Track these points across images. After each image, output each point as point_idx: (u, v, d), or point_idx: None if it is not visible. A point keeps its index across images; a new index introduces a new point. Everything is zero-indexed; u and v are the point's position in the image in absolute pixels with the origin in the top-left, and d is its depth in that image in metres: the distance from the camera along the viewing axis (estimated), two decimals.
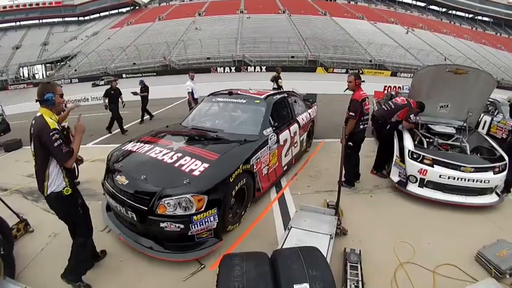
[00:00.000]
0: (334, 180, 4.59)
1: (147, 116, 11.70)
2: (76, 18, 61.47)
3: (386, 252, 3.39)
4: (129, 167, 3.66)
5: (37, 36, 53.07)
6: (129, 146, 4.23)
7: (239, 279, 2.23)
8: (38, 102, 2.72)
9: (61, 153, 2.54)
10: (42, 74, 42.91)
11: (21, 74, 41.11)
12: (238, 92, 5.52)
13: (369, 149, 6.34)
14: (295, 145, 5.64)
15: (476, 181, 4.30)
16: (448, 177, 4.35)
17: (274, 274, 2.33)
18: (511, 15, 64.10)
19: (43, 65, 43.22)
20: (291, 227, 3.53)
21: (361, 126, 4.77)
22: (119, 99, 9.57)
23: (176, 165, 3.47)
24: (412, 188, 4.65)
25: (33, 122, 2.63)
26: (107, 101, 9.39)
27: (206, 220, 3.20)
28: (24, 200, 4.98)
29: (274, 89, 10.00)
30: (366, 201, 4.68)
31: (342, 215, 4.00)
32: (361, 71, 30.98)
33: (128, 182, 3.36)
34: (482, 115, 7.74)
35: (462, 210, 4.29)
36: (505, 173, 4.43)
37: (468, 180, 4.30)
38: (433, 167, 4.46)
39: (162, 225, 3.09)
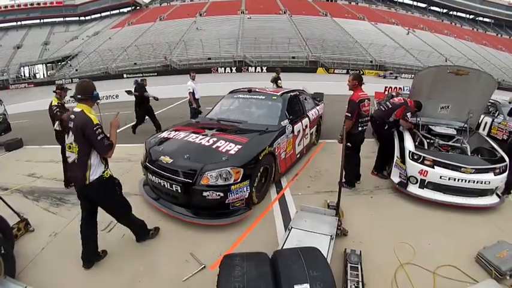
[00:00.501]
0: (334, 180, 4.59)
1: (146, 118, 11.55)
2: (77, 18, 61.56)
3: (386, 253, 3.39)
4: (170, 149, 4.32)
5: (38, 36, 53.17)
6: (164, 134, 4.94)
7: (239, 280, 2.23)
8: (74, 98, 2.98)
9: (103, 146, 2.88)
10: (43, 74, 42.98)
11: (22, 74, 41.19)
12: (257, 90, 6.26)
13: (369, 150, 6.34)
14: (306, 137, 6.29)
15: (477, 182, 4.29)
16: (449, 179, 4.35)
17: (275, 274, 2.33)
18: None
19: (44, 64, 43.30)
20: (292, 228, 3.53)
21: (360, 128, 4.75)
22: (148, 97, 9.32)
23: (213, 147, 4.18)
24: (413, 189, 4.65)
25: (73, 116, 2.90)
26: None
27: (241, 190, 3.86)
28: (25, 200, 4.98)
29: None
30: (366, 202, 4.68)
31: (342, 215, 3.99)
32: (361, 72, 31.05)
33: (172, 160, 4.00)
34: (483, 116, 7.75)
35: (462, 212, 4.29)
36: (505, 174, 4.42)
37: (469, 181, 4.29)
38: (433, 168, 4.45)
39: (204, 194, 3.70)
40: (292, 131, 5.41)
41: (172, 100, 17.15)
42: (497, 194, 4.51)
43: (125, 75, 31.71)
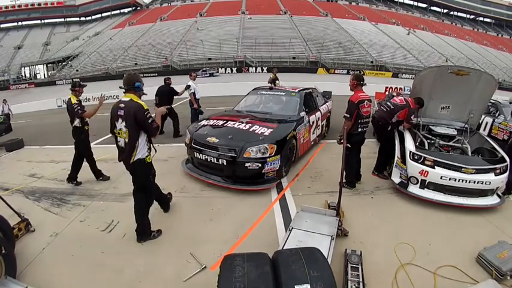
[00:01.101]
0: (335, 181, 4.59)
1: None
2: (78, 19, 61.59)
3: (387, 253, 3.39)
4: (214, 132, 5.33)
5: (39, 36, 53.23)
6: (205, 122, 5.96)
7: (240, 280, 2.23)
8: (122, 89, 3.45)
9: (152, 128, 3.35)
10: (44, 74, 43.07)
11: (23, 74, 41.25)
12: (278, 87, 7.62)
13: (369, 150, 6.34)
14: (318, 127, 7.21)
15: (478, 182, 4.29)
16: (449, 179, 4.35)
17: (275, 275, 2.33)
18: None
19: (45, 65, 43.39)
20: (292, 228, 3.53)
21: (360, 129, 4.75)
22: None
23: (250, 130, 5.26)
24: (413, 189, 4.65)
25: (122, 105, 3.32)
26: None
27: (274, 162, 4.87)
28: (26, 200, 4.98)
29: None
30: (367, 202, 4.68)
31: (343, 216, 3.99)
32: (362, 72, 31.04)
33: (218, 140, 5.02)
34: (483, 116, 7.74)
35: (463, 212, 4.28)
36: (506, 174, 4.42)
37: (469, 181, 4.29)
38: (434, 168, 4.45)
39: (246, 165, 4.72)
40: (308, 121, 6.36)
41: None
42: (498, 194, 4.51)
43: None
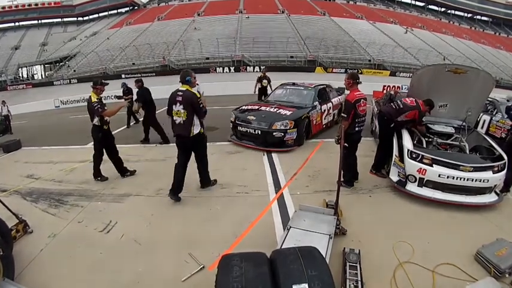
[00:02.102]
0: (333, 180, 4.60)
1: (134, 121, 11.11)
2: (75, 19, 61.20)
3: (385, 252, 3.39)
4: (252, 113, 7.63)
5: (36, 37, 52.91)
6: (244, 108, 8.19)
7: (238, 280, 2.22)
8: (181, 83, 4.49)
9: (202, 112, 4.49)
10: (41, 75, 42.80)
11: (20, 75, 41.00)
12: (298, 83, 9.33)
13: (368, 149, 6.34)
14: (330, 115, 8.95)
15: (476, 180, 4.30)
16: (447, 177, 4.35)
17: (273, 274, 2.32)
18: (510, 14, 64.00)
19: (42, 65, 43.09)
20: (290, 227, 3.52)
21: (357, 128, 4.77)
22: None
23: (277, 112, 7.42)
24: (411, 187, 4.65)
25: (180, 93, 4.40)
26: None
27: (292, 133, 6.97)
28: (24, 201, 4.97)
29: (259, 89, 12.49)
30: (365, 201, 4.69)
31: (341, 214, 3.99)
32: (359, 71, 30.99)
33: (254, 118, 7.33)
34: (481, 114, 7.76)
35: (461, 210, 4.30)
36: (504, 172, 4.42)
37: (467, 179, 4.30)
38: (432, 166, 4.46)
39: (274, 134, 6.89)
40: (320, 109, 8.20)
41: None
42: (496, 192, 4.52)
43: (123, 76, 31.51)
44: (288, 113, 7.27)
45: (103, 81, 5.36)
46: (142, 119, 8.54)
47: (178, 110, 4.42)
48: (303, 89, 8.91)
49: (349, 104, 4.61)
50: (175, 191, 4.59)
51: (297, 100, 8.45)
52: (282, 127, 6.87)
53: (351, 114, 4.61)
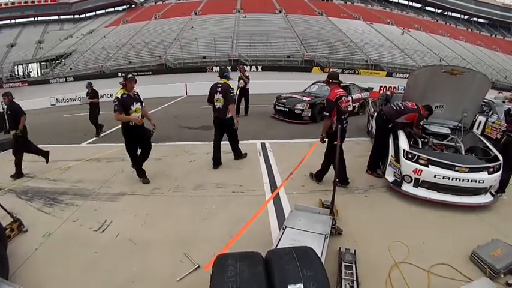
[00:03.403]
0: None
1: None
2: (72, 16, 60.88)
3: (381, 252, 3.39)
4: (286, 99, 11.06)
5: (32, 34, 52.54)
6: (282, 95, 11.42)
7: (233, 280, 2.21)
8: (220, 77, 5.78)
9: (233, 99, 5.81)
10: (37, 72, 42.49)
11: (16, 72, 40.71)
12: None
13: (363, 149, 6.35)
14: (349, 107, 9.64)
15: (471, 181, 4.31)
16: (443, 177, 4.37)
17: (268, 274, 2.32)
18: (506, 16, 64.53)
19: (38, 63, 42.82)
20: (286, 227, 3.51)
21: (345, 125, 4.84)
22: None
23: (301, 98, 10.68)
24: (407, 187, 4.66)
25: (220, 85, 5.66)
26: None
27: (307, 112, 10.27)
28: (18, 200, 4.92)
29: (238, 88, 10.95)
30: (360, 200, 4.69)
31: (336, 214, 3.99)
32: (356, 71, 31.15)
33: (285, 101, 10.96)
34: (477, 115, 7.80)
35: (457, 210, 4.31)
36: (499, 173, 4.45)
37: (463, 180, 4.31)
38: (428, 167, 4.47)
39: (295, 111, 10.33)
40: None
41: (168, 99, 17.10)
42: (491, 193, 4.54)
43: (119, 74, 31.38)
44: (307, 99, 10.54)
45: (128, 76, 4.99)
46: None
47: (218, 98, 5.65)
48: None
49: (330, 103, 4.67)
50: (217, 162, 6.00)
51: (321, 93, 11.10)
52: (300, 107, 10.22)
53: (334, 112, 4.66)
